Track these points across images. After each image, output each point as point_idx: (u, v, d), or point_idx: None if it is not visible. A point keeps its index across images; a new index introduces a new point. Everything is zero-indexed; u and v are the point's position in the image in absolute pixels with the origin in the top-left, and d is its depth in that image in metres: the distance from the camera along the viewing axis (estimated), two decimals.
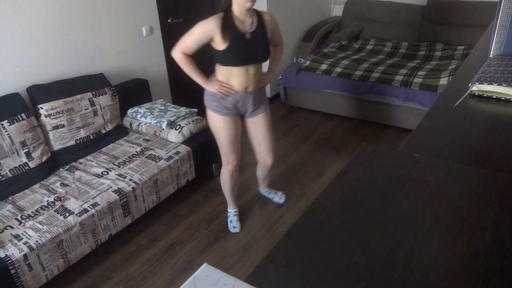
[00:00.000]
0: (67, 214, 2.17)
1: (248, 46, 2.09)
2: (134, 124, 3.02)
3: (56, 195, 2.32)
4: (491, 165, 0.99)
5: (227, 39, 2.04)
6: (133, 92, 3.16)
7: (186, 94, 3.92)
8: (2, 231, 2.06)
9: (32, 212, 2.20)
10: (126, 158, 2.66)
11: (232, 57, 2.09)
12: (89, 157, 2.71)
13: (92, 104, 2.74)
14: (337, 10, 5.30)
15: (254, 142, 2.50)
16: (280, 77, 4.15)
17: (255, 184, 3.03)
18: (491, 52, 1.51)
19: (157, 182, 2.58)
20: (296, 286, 0.65)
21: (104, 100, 2.81)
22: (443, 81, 3.41)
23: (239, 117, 2.35)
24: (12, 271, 1.90)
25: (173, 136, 2.84)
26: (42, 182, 2.47)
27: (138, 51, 3.33)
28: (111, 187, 2.38)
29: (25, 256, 1.94)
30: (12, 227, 2.09)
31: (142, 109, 3.01)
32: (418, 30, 4.55)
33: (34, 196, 2.33)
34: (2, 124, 2.32)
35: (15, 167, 2.38)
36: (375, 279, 0.65)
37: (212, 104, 2.24)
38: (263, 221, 2.69)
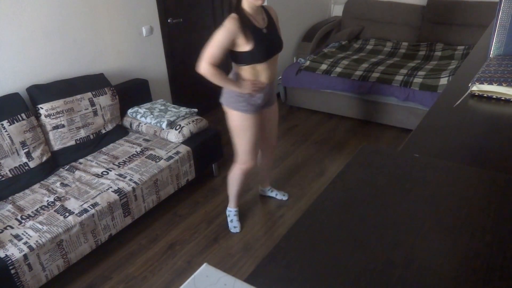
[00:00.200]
0: (67, 214, 2.17)
1: (268, 40, 2.14)
2: (134, 124, 3.02)
3: (56, 195, 2.32)
4: (491, 165, 0.99)
5: (251, 38, 2.04)
6: (133, 92, 3.16)
7: (186, 94, 3.92)
8: (2, 231, 2.06)
9: (32, 212, 2.20)
10: (126, 158, 2.66)
11: (258, 55, 2.11)
12: (89, 157, 2.71)
13: (92, 104, 2.74)
14: (337, 10, 5.30)
15: (267, 129, 2.52)
16: (280, 77, 4.15)
17: (255, 184, 3.03)
18: (491, 52, 1.51)
19: (157, 182, 2.58)
20: (296, 286, 0.65)
21: (104, 100, 2.81)
22: (443, 81, 3.41)
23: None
24: (12, 271, 1.90)
25: (173, 136, 2.84)
26: (42, 182, 2.47)
27: (138, 51, 3.33)
28: (111, 187, 2.38)
29: (25, 256, 1.94)
30: (12, 227, 2.09)
31: (142, 109, 3.01)
32: (418, 30, 4.55)
33: (34, 196, 2.33)
34: (2, 124, 2.32)
35: (15, 167, 2.38)
36: (375, 279, 0.65)
37: (240, 104, 2.21)
38: (263, 221, 2.69)
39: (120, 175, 2.49)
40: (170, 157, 2.68)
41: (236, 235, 2.57)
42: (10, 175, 2.37)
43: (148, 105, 3.09)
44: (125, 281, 2.27)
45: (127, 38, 3.22)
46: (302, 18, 4.78)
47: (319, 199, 0.85)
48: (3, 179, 2.34)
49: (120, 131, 2.95)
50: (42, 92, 2.55)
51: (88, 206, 2.23)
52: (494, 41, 1.48)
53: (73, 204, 2.24)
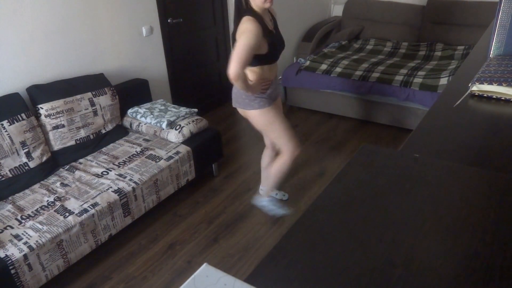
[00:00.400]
0: (67, 214, 2.17)
1: (277, 40, 2.18)
2: (134, 124, 3.02)
3: (56, 195, 2.32)
4: (491, 165, 0.99)
5: (267, 40, 2.07)
6: (133, 92, 3.16)
7: (186, 94, 3.93)
8: (2, 231, 2.06)
9: (32, 212, 2.20)
10: (126, 158, 2.66)
11: (272, 56, 2.16)
12: (89, 157, 2.71)
13: (92, 104, 2.74)
14: (337, 10, 5.30)
15: None
16: (280, 77, 4.15)
17: (255, 184, 3.03)
18: (491, 52, 1.51)
19: (157, 182, 2.58)
20: (296, 286, 0.65)
21: (104, 100, 2.81)
22: (443, 81, 3.41)
23: None
24: (12, 271, 1.90)
25: (173, 136, 2.84)
26: (42, 182, 2.47)
27: (138, 51, 3.34)
28: (111, 187, 2.38)
29: (25, 256, 1.94)
30: (12, 227, 2.09)
31: (142, 109, 3.01)
32: (418, 30, 4.55)
33: (34, 196, 2.33)
34: (2, 124, 2.32)
35: (15, 167, 2.38)
36: (375, 279, 0.65)
37: (260, 103, 2.25)
38: (263, 221, 2.69)
39: (120, 175, 2.49)
40: (170, 157, 2.68)
41: (236, 235, 2.57)
42: (10, 175, 2.37)
43: (148, 105, 3.09)
44: (125, 281, 2.27)
45: (127, 38, 3.22)
46: (302, 18, 4.78)
47: (319, 199, 0.85)
48: (3, 179, 2.34)
49: (120, 131, 2.95)
50: (42, 92, 2.55)
51: (88, 206, 2.23)
52: (494, 41, 1.48)
53: (73, 204, 2.24)
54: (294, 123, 4.00)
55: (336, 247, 0.72)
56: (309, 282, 0.65)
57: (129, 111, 3.05)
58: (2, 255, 1.91)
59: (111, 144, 2.85)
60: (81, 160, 2.68)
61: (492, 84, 1.28)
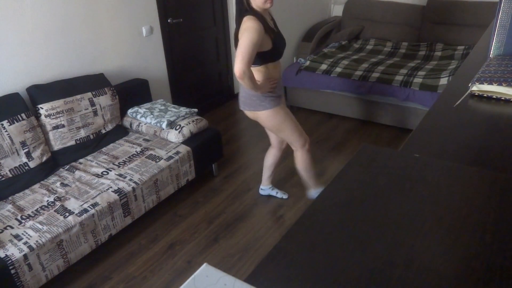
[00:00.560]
0: (67, 214, 2.17)
1: (280, 38, 2.21)
2: (134, 124, 3.02)
3: (56, 195, 2.32)
4: (491, 165, 0.99)
5: (270, 37, 2.11)
6: (133, 92, 3.16)
7: (186, 94, 3.93)
8: (2, 231, 2.06)
9: (32, 212, 2.20)
10: (126, 158, 2.66)
11: (277, 53, 2.19)
12: (89, 157, 2.71)
13: (92, 104, 2.74)
14: (337, 10, 5.30)
15: None
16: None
17: (255, 184, 3.03)
18: (491, 52, 1.51)
19: (157, 182, 2.58)
20: (296, 286, 0.65)
21: (104, 100, 2.81)
22: (443, 81, 3.41)
23: None
24: (12, 271, 1.90)
25: (173, 136, 2.84)
26: (42, 182, 2.47)
27: (138, 51, 3.34)
28: (111, 187, 2.38)
29: (25, 256, 1.94)
30: (12, 227, 2.09)
31: (142, 109, 3.01)
32: (418, 30, 4.55)
33: (34, 196, 2.33)
34: (2, 124, 2.32)
35: (15, 167, 2.38)
36: (375, 279, 0.65)
37: (271, 103, 2.28)
38: (263, 221, 2.69)
39: (120, 175, 2.49)
40: (170, 157, 2.68)
41: (236, 235, 2.57)
42: (10, 175, 2.37)
43: (148, 105, 3.09)
44: (125, 281, 2.27)
45: (127, 38, 3.22)
46: (302, 18, 4.78)
47: (319, 199, 0.85)
48: (3, 179, 2.34)
49: (120, 131, 2.95)
50: (42, 92, 2.55)
51: (88, 206, 2.23)
52: (494, 41, 1.48)
53: (73, 204, 2.24)
54: None
55: (336, 247, 0.72)
56: (309, 282, 0.65)
57: (129, 111, 3.05)
58: (2, 255, 1.91)
59: (111, 144, 2.85)
60: (81, 160, 2.68)
61: (492, 84, 1.28)
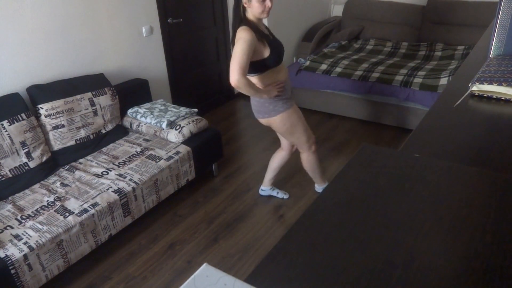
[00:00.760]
0: (67, 214, 2.17)
1: (277, 43, 2.25)
2: (134, 124, 3.02)
3: (56, 195, 2.32)
4: (491, 165, 0.99)
5: (266, 44, 2.16)
6: (133, 92, 3.16)
7: (186, 94, 3.93)
8: (2, 231, 2.06)
9: (32, 212, 2.20)
10: (126, 158, 2.66)
11: (276, 58, 2.22)
12: (89, 157, 2.71)
13: (92, 104, 2.74)
14: (337, 10, 5.30)
15: None
16: None
17: (255, 184, 3.03)
18: (491, 52, 1.51)
19: (157, 182, 2.58)
20: (296, 286, 0.65)
21: (104, 100, 2.81)
22: (443, 81, 3.41)
23: None
24: (12, 271, 1.90)
25: (173, 136, 2.84)
26: (42, 182, 2.47)
27: (138, 51, 3.34)
28: (111, 187, 2.38)
29: (25, 256, 1.94)
30: (12, 227, 2.09)
31: (142, 109, 3.01)
32: (418, 30, 4.55)
33: (34, 196, 2.33)
34: (2, 124, 2.32)
35: (15, 167, 2.38)
36: (375, 279, 0.65)
37: (284, 105, 2.32)
38: (263, 221, 2.69)
39: (120, 175, 2.49)
40: (170, 157, 2.68)
41: (236, 235, 2.57)
42: (10, 175, 2.37)
43: (148, 105, 3.09)
44: (125, 281, 2.27)
45: (127, 38, 3.22)
46: (302, 18, 4.78)
47: (319, 199, 0.85)
48: (3, 179, 2.34)
49: (120, 131, 2.95)
50: (42, 92, 2.55)
51: (88, 206, 2.23)
52: (494, 41, 1.48)
53: (73, 204, 2.24)
54: None
55: (336, 247, 0.72)
56: (309, 282, 0.65)
57: (129, 111, 3.05)
58: (2, 255, 1.91)
59: (111, 144, 2.85)
60: (81, 160, 2.68)
61: (492, 84, 1.28)
